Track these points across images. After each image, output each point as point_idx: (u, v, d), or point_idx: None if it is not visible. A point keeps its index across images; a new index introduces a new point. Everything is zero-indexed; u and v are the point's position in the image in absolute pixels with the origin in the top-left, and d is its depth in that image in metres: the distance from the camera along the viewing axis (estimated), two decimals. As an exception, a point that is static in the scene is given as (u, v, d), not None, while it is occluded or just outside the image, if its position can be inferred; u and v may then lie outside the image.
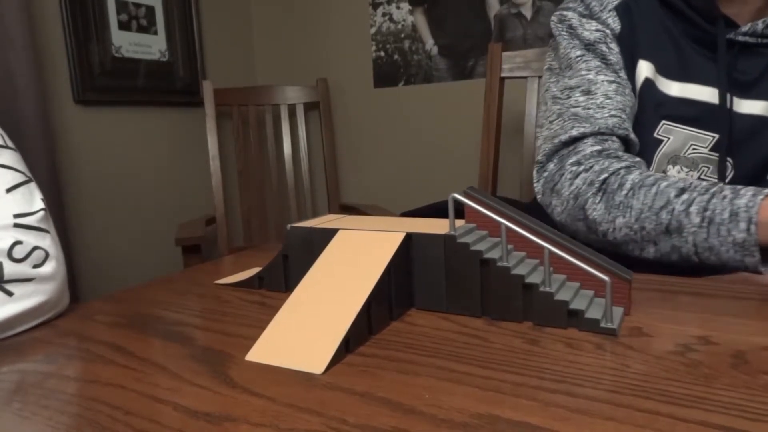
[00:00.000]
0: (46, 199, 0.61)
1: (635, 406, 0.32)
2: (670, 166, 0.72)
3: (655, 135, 0.72)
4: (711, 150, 0.71)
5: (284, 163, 1.90)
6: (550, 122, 0.76)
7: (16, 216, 0.53)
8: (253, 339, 0.44)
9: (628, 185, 0.65)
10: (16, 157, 0.58)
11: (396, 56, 1.84)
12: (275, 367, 0.40)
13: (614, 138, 0.71)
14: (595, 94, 0.73)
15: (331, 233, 0.53)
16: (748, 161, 0.71)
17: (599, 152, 0.70)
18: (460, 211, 0.51)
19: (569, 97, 0.75)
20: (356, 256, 0.48)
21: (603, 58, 0.74)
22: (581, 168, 0.70)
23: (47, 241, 0.54)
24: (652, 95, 0.72)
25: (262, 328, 0.45)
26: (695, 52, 0.71)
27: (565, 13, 0.78)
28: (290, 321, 0.44)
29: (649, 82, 0.72)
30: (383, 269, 0.46)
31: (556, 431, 0.29)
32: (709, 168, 0.71)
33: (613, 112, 0.71)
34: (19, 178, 0.56)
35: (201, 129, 1.91)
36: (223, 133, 1.92)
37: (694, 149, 0.71)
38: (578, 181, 0.69)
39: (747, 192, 0.57)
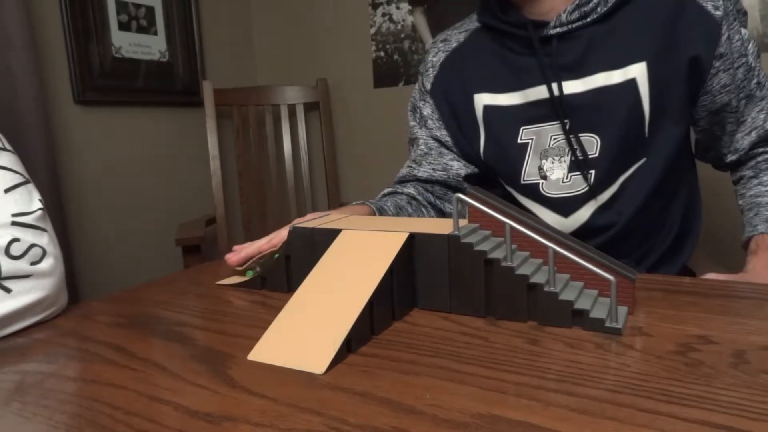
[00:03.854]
0: (46, 198, 0.61)
1: (636, 406, 0.32)
2: (543, 160, 0.81)
3: (519, 141, 0.82)
4: (569, 133, 0.78)
5: (284, 163, 1.90)
6: None
7: (14, 215, 0.53)
8: (254, 339, 0.44)
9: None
10: (14, 158, 0.58)
11: (396, 56, 1.84)
12: (276, 367, 0.40)
13: (408, 181, 0.92)
14: (412, 146, 0.95)
15: (333, 233, 0.52)
16: (612, 130, 0.76)
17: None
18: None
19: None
20: (359, 257, 0.48)
21: (420, 114, 0.92)
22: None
23: (45, 239, 0.54)
24: (498, 114, 0.83)
25: (263, 328, 0.45)
26: (524, 59, 0.79)
27: (420, 70, 0.94)
28: (292, 321, 0.44)
29: (489, 108, 0.83)
30: (386, 270, 0.46)
31: (557, 431, 0.29)
32: (577, 148, 0.78)
33: (410, 164, 0.92)
34: (17, 179, 0.56)
35: (201, 129, 1.91)
36: (223, 133, 1.92)
37: (554, 139, 0.79)
38: None
39: None
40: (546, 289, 0.45)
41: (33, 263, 0.52)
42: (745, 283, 0.56)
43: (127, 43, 1.71)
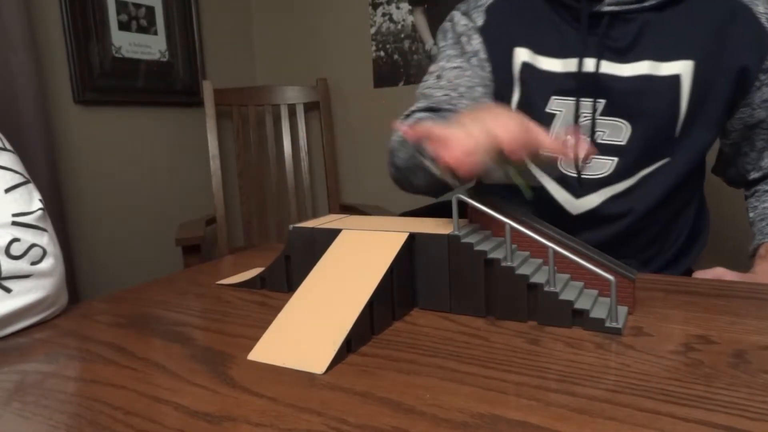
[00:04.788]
0: (46, 199, 0.61)
1: (636, 406, 0.32)
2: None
3: (547, 110, 0.79)
4: (600, 115, 0.76)
5: (284, 163, 1.90)
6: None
7: (15, 215, 0.53)
8: (254, 339, 0.44)
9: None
10: (14, 159, 0.58)
11: (396, 56, 1.84)
12: (276, 367, 0.40)
13: (443, 110, 0.82)
14: (441, 78, 0.86)
15: (333, 233, 0.52)
16: (645, 121, 0.75)
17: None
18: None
19: (426, 80, 0.88)
20: (359, 257, 0.48)
21: (461, 48, 0.86)
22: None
23: (45, 239, 0.54)
24: (534, 76, 0.79)
25: (263, 328, 0.45)
26: (572, 29, 0.77)
27: (455, 12, 0.91)
28: (292, 321, 0.44)
29: (527, 66, 0.80)
30: (386, 270, 0.46)
31: (557, 431, 0.29)
32: (605, 132, 0.76)
33: (446, 91, 0.84)
34: (17, 179, 0.56)
35: (201, 129, 1.91)
36: (223, 133, 1.92)
37: (584, 117, 0.77)
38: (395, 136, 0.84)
39: None
40: (546, 289, 0.45)
41: (33, 263, 0.52)
42: (745, 283, 0.56)
43: (127, 43, 1.71)
